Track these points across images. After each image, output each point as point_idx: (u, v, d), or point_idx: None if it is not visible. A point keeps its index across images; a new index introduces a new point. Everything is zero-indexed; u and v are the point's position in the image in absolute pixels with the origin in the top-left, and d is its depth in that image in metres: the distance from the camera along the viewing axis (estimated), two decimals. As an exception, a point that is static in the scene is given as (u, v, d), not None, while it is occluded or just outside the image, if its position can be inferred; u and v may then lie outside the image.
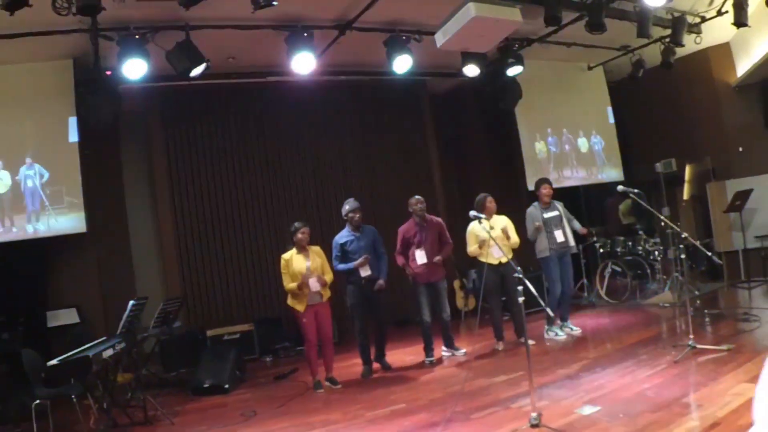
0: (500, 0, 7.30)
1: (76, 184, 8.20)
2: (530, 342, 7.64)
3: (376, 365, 7.80)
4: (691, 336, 6.45)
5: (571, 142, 11.91)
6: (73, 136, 8.27)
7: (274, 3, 6.22)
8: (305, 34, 7.90)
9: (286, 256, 7.15)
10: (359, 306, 7.61)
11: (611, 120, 12.51)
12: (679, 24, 9.53)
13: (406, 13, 8.34)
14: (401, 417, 5.65)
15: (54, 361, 5.65)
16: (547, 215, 8.36)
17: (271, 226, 10.54)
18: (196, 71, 7.55)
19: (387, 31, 8.56)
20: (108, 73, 7.74)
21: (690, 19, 9.91)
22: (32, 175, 8.03)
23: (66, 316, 8.64)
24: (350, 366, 7.98)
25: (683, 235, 6.72)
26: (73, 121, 8.25)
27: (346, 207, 7.65)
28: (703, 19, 10.12)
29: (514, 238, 7.98)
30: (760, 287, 10.10)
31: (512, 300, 7.70)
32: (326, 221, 10.64)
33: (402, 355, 8.37)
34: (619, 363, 6.48)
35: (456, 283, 10.80)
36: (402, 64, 8.60)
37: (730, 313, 8.36)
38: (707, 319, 8.02)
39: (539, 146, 11.47)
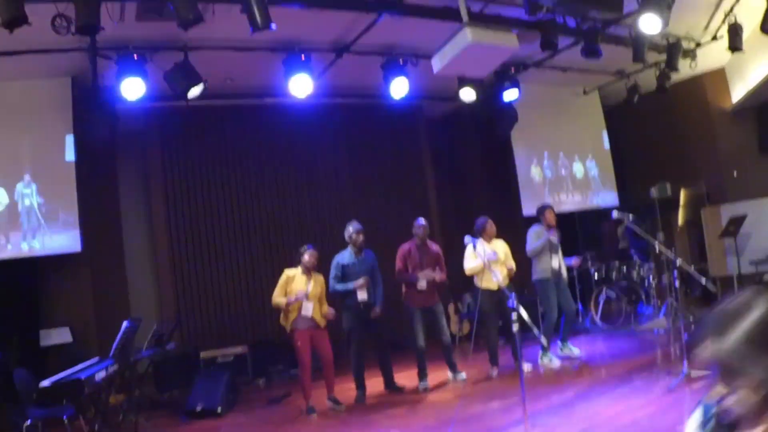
0: (497, 25, 7.36)
1: (72, 202, 8.19)
2: (526, 368, 7.63)
3: (375, 389, 7.74)
4: (686, 363, 6.44)
5: (567, 167, 11.95)
6: (70, 155, 8.27)
7: (273, 27, 6.24)
8: (302, 57, 7.94)
9: (290, 272, 7.16)
10: (356, 330, 7.57)
11: (606, 144, 12.57)
12: (674, 49, 9.59)
13: (403, 37, 8.40)
14: (394, 443, 5.62)
15: (46, 383, 5.61)
16: (550, 238, 8.39)
17: (267, 248, 10.51)
18: (194, 92, 7.56)
19: (384, 54, 8.63)
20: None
21: (685, 44, 9.98)
22: (29, 193, 8.02)
23: (59, 335, 8.56)
24: (344, 390, 7.92)
25: (678, 263, 6.71)
26: (70, 140, 8.26)
27: (350, 228, 7.64)
28: (698, 45, 10.19)
29: (511, 264, 7.98)
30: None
31: (508, 325, 7.67)
32: (321, 242, 10.59)
33: (396, 379, 8.32)
34: (613, 390, 6.47)
35: (450, 308, 10.77)
36: (399, 88, 8.65)
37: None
38: (702, 346, 8.00)
39: (535, 170, 11.50)
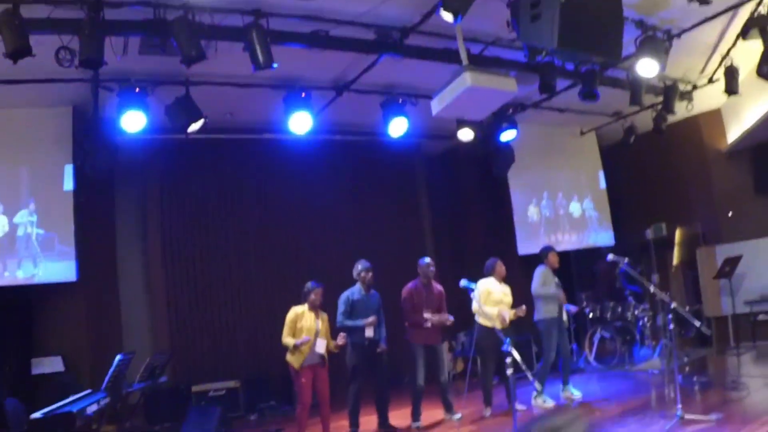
0: (496, 69, 7.43)
1: (69, 232, 8.21)
2: (519, 408, 7.58)
3: (368, 427, 7.69)
4: (680, 405, 6.41)
5: (564, 206, 12.01)
6: (69, 184, 8.30)
7: (275, 65, 6.32)
8: (303, 94, 8.01)
9: (297, 309, 7.10)
10: (360, 367, 7.54)
11: (603, 184, 12.65)
12: (671, 92, 9.68)
13: (403, 77, 8.51)
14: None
15: (37, 415, 5.58)
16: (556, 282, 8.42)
17: (262, 283, 10.49)
18: (194, 127, 7.59)
19: (383, 93, 8.72)
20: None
21: (682, 86, 10.07)
22: (27, 221, 8.03)
23: (51, 364, 8.49)
24: (337, 429, 7.85)
25: (672, 306, 6.70)
26: (69, 169, 8.29)
27: (359, 266, 7.69)
28: (695, 87, 10.29)
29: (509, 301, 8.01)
30: (748, 353, 10.08)
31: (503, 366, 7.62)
32: (318, 277, 10.53)
33: (390, 418, 8.25)
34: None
35: (444, 345, 10.70)
36: (398, 127, 8.75)
37: (719, 380, 8.35)
38: (696, 387, 7.99)
39: (532, 210, 11.55)
